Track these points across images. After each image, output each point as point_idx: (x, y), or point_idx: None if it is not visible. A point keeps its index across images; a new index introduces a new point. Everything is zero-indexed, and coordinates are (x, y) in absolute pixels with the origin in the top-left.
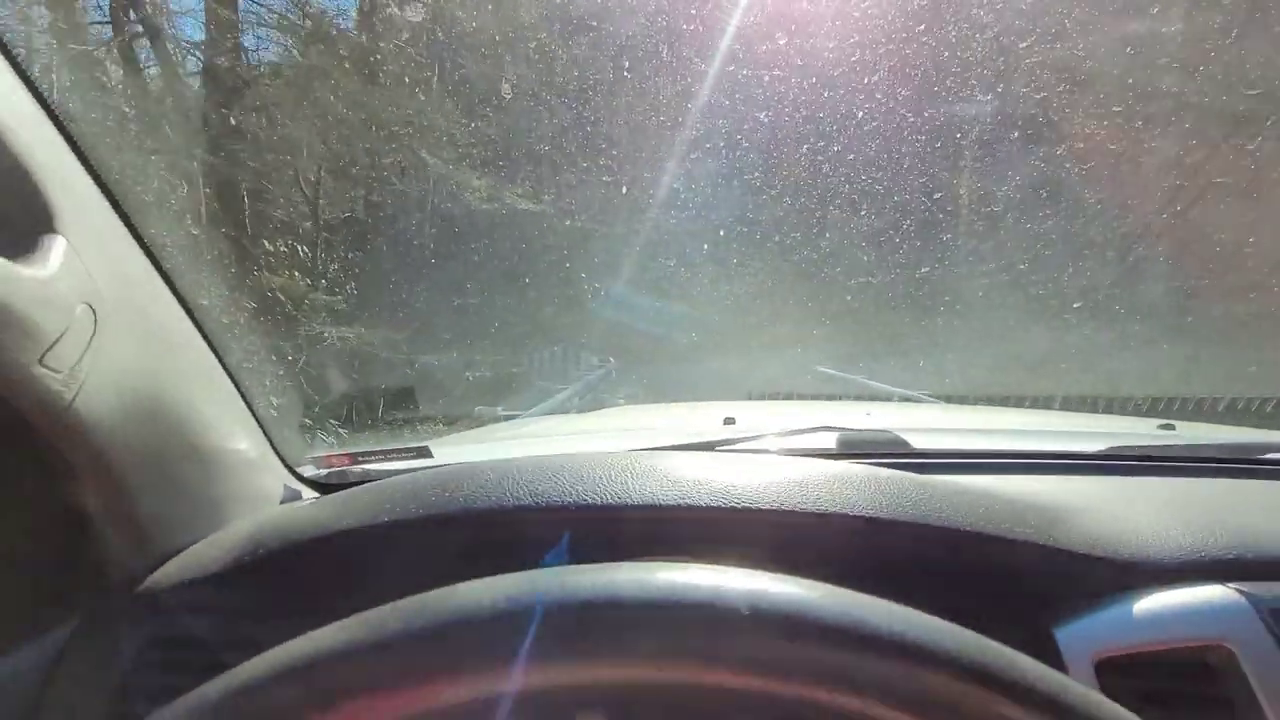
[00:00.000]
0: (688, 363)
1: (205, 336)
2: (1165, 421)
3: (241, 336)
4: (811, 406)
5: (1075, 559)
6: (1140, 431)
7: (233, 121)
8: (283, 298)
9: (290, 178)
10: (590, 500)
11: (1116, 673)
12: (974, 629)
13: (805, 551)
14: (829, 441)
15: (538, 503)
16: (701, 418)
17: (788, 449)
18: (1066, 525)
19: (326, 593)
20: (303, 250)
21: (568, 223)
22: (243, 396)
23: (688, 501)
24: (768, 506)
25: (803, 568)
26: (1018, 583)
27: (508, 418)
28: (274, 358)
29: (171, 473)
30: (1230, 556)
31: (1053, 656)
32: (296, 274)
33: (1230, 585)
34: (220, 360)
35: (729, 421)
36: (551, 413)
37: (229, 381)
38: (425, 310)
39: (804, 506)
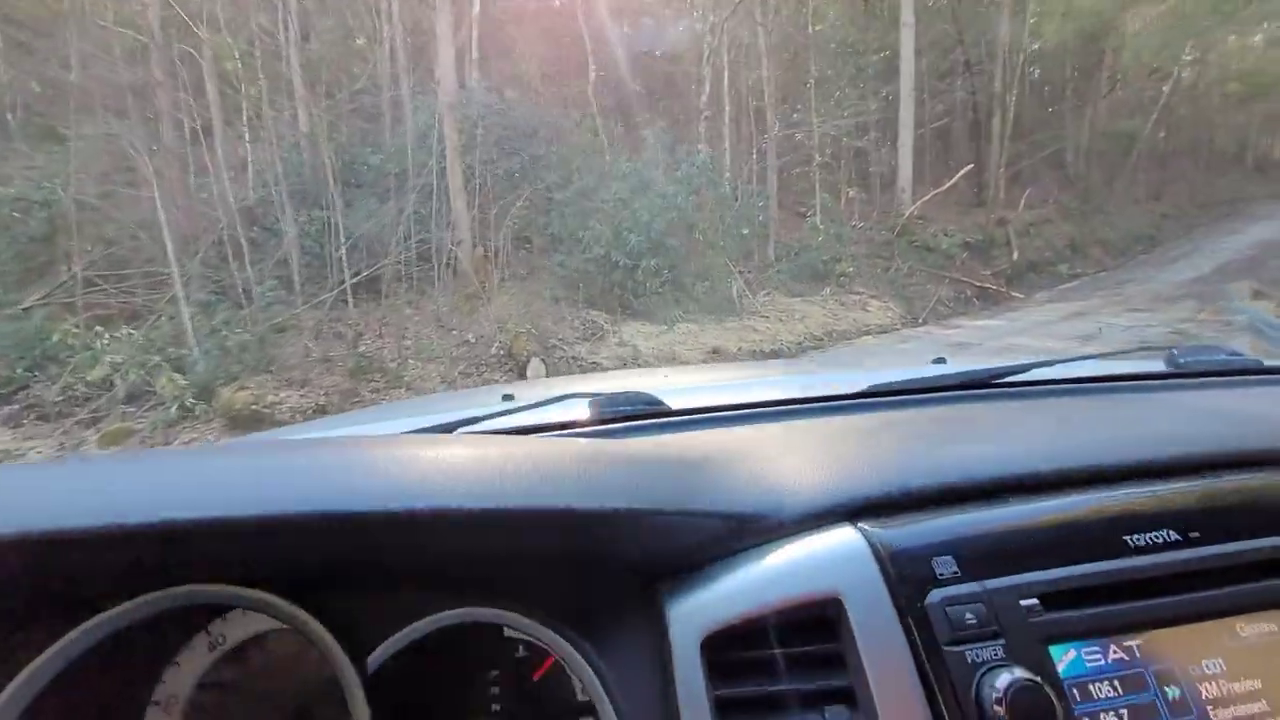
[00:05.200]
0: None
1: None
2: (939, 356)
3: None
4: (612, 376)
5: (695, 518)
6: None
7: None
8: None
9: None
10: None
11: (736, 644)
12: (589, 610)
13: (415, 541)
14: (583, 410)
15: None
16: (484, 397)
17: (535, 422)
18: (710, 483)
19: None
20: None
21: None
22: None
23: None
24: (358, 509)
25: (408, 556)
26: (626, 558)
27: None
28: None
29: None
30: (864, 493)
31: (662, 638)
32: None
33: (859, 526)
34: None
35: (507, 398)
36: None
37: None
38: None
39: (383, 506)
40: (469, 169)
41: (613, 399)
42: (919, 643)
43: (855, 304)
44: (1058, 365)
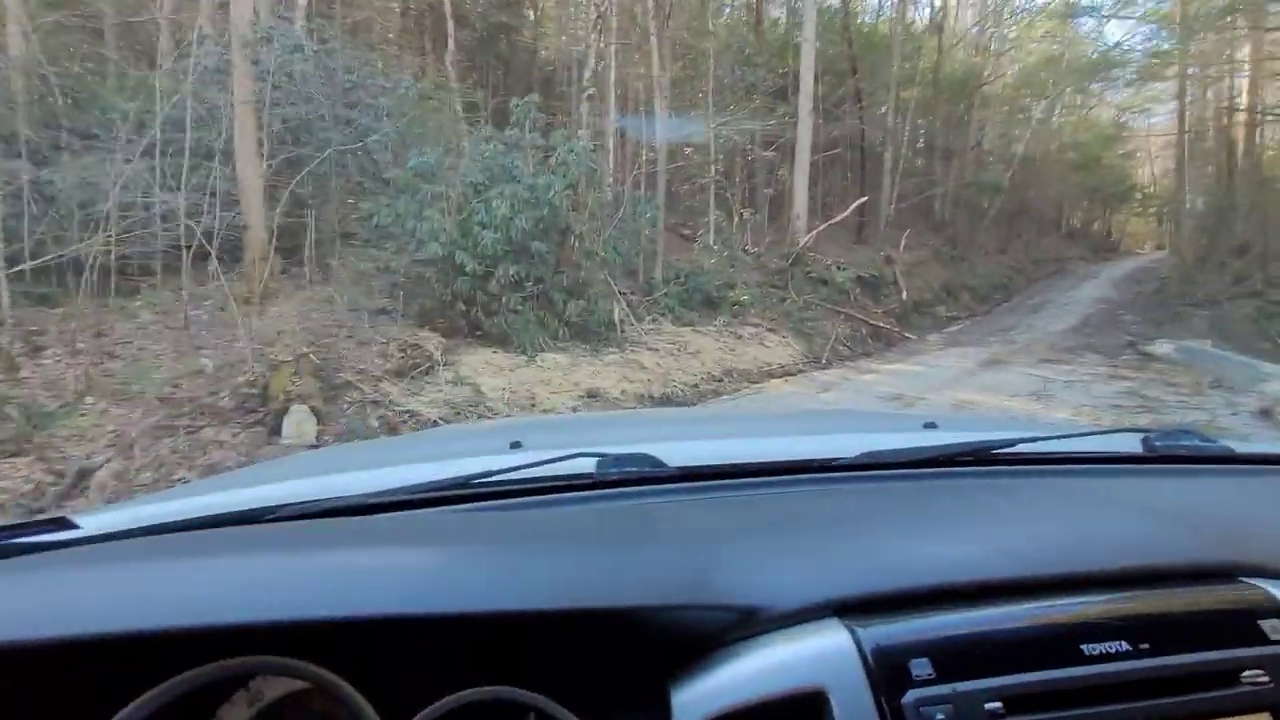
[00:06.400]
0: None
1: None
2: (930, 420)
3: None
4: (626, 418)
5: (699, 611)
6: (902, 434)
7: None
8: None
9: None
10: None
11: None
12: (603, 692)
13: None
14: (588, 466)
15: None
16: (495, 441)
17: (543, 476)
18: (716, 571)
19: None
20: None
21: None
22: None
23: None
24: (358, 614)
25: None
26: (637, 647)
27: None
28: None
29: None
30: (854, 591)
31: None
32: None
33: (845, 622)
34: None
35: (515, 445)
36: None
37: None
38: None
39: (380, 611)
40: (265, 130)
41: (619, 460)
42: None
43: (752, 338)
44: (1041, 442)
